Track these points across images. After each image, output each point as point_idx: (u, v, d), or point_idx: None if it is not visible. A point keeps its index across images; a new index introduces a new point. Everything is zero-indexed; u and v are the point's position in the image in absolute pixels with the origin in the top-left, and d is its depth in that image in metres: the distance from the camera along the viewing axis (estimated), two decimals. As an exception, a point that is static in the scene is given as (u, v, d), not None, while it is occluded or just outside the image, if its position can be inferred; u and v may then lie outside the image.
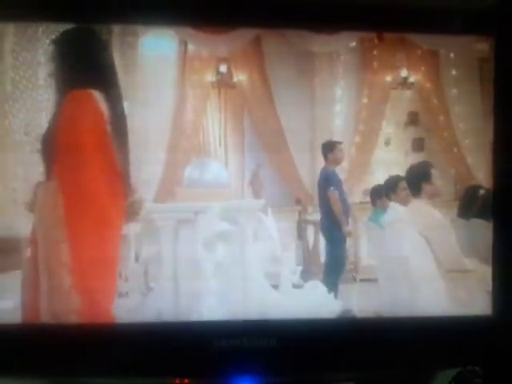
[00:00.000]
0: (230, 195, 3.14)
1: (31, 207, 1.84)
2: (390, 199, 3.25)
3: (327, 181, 3.70)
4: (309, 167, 4.44)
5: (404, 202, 3.09)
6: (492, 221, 1.87)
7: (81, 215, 1.76)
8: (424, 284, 2.58)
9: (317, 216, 3.98)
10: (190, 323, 2.05)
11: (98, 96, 1.78)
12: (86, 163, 1.76)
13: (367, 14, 1.78)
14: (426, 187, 2.95)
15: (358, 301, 3.16)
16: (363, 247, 3.80)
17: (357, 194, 4.39)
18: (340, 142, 3.84)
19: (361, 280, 3.85)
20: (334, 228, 3.69)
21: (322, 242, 3.95)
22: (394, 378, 1.90)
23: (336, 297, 3.21)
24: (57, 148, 1.75)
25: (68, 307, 1.85)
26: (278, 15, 1.76)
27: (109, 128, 1.78)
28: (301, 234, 4.30)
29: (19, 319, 1.98)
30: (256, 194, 3.89)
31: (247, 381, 1.79)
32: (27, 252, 1.90)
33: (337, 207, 3.61)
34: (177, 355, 1.75)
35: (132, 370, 1.75)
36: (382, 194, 3.42)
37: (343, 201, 3.71)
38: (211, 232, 2.68)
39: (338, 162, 3.77)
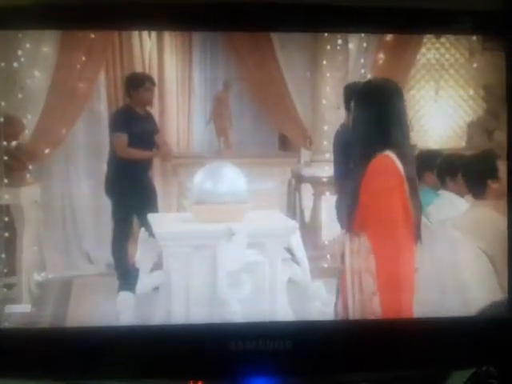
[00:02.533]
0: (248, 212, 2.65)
1: None
2: (442, 184, 2.78)
3: (349, 145, 2.65)
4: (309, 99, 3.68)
5: (462, 194, 2.67)
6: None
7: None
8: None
9: (318, 171, 3.49)
10: (206, 325, 2.01)
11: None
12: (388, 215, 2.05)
13: (385, 15, 1.90)
14: (492, 185, 2.48)
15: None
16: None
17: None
18: None
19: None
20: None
21: (326, 213, 3.38)
22: (410, 378, 1.92)
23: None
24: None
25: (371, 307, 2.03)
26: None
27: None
28: (292, 199, 3.59)
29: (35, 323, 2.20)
30: (220, 133, 3.43)
31: (263, 383, 1.85)
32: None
33: None
34: (193, 357, 1.80)
35: (148, 371, 1.83)
36: (433, 167, 2.83)
37: None
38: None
39: None
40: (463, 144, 3.55)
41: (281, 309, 2.46)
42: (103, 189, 2.79)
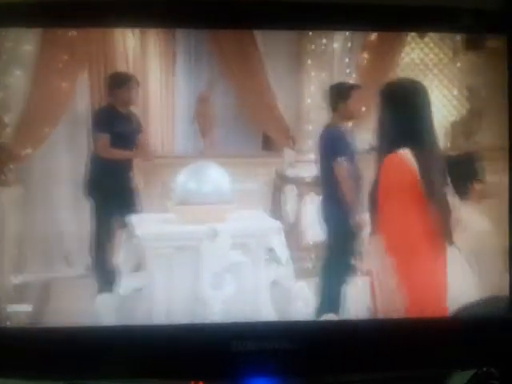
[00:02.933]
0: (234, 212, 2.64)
1: None
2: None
3: (334, 145, 2.93)
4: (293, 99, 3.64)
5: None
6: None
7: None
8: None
9: (301, 171, 3.40)
10: (206, 325, 2.07)
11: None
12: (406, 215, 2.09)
13: (384, 13, 1.91)
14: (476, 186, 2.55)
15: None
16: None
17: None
18: (358, 87, 3.05)
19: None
20: (338, 216, 2.92)
21: (311, 214, 3.23)
22: (410, 379, 1.93)
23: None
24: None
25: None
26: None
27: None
28: (276, 200, 3.50)
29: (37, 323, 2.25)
30: (204, 132, 3.42)
31: (264, 383, 1.85)
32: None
33: (345, 186, 2.89)
34: (193, 357, 1.82)
35: (149, 371, 1.83)
36: None
37: (355, 177, 2.92)
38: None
39: (352, 115, 2.99)
40: (448, 144, 3.55)
41: (264, 309, 2.45)
42: (84, 189, 2.76)
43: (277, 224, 2.77)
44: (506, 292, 2.01)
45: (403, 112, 2.11)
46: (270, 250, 2.57)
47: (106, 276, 2.64)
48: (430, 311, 2.12)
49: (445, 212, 2.11)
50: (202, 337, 1.87)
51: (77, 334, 1.88)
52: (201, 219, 2.48)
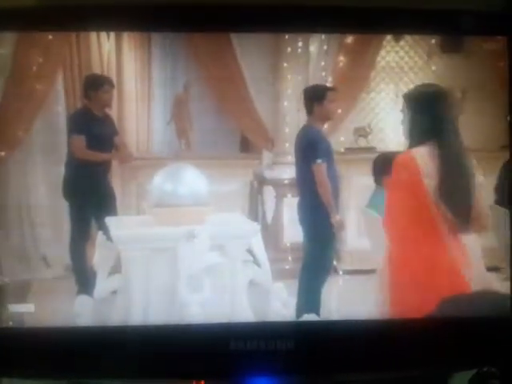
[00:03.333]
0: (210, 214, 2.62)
1: None
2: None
3: (311, 147, 2.92)
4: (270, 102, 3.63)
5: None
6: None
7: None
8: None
9: (279, 173, 3.44)
10: (206, 325, 2.04)
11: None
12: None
13: (386, 17, 1.93)
14: None
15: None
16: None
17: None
18: (332, 89, 3.08)
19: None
20: (317, 217, 2.94)
21: (288, 215, 3.34)
22: (411, 379, 1.94)
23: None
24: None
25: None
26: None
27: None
28: (254, 201, 3.54)
29: (38, 323, 2.15)
30: (181, 134, 3.42)
31: (264, 382, 1.87)
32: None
33: (323, 187, 2.90)
34: (194, 357, 1.81)
35: (150, 371, 1.84)
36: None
37: (333, 178, 2.95)
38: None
39: (327, 117, 2.99)
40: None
41: (241, 310, 2.45)
42: (61, 191, 2.74)
43: (254, 226, 2.79)
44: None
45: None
46: (249, 252, 2.57)
47: (83, 277, 2.64)
48: (429, 310, 2.09)
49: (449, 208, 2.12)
50: (202, 336, 1.88)
51: (76, 334, 1.90)
52: (178, 221, 2.46)
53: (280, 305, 2.54)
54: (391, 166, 2.73)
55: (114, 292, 2.46)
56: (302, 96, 2.96)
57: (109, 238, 2.44)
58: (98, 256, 2.52)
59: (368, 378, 1.91)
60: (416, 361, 1.88)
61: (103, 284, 2.47)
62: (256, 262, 2.60)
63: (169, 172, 2.59)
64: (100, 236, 2.52)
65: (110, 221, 2.54)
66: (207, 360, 1.82)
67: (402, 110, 2.29)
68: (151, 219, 2.54)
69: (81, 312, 2.24)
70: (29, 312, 2.16)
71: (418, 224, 2.12)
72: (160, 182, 2.57)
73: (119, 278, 2.44)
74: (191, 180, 2.56)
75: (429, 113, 2.20)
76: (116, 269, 2.49)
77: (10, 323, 2.09)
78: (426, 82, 3.80)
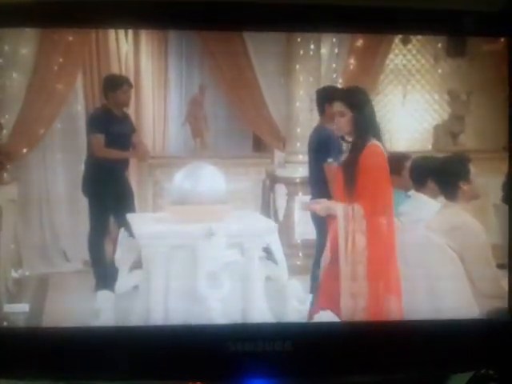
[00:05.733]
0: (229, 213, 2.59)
1: None
2: (416, 186, 2.70)
3: (323, 147, 2.89)
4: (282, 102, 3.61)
5: (435, 196, 2.63)
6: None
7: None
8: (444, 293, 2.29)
9: (291, 171, 3.44)
10: (204, 326, 2.05)
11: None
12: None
13: (381, 16, 1.92)
14: (464, 187, 2.51)
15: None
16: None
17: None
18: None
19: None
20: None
21: (299, 212, 3.34)
22: (409, 381, 1.93)
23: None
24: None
25: None
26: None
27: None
28: (266, 199, 3.52)
29: (33, 323, 2.22)
30: (196, 134, 3.43)
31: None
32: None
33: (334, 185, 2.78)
34: (192, 358, 1.81)
35: (147, 372, 1.82)
36: (400, 169, 2.80)
37: None
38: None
39: None
40: (429, 147, 3.61)
41: (259, 308, 2.46)
42: (80, 188, 2.80)
43: (272, 224, 2.81)
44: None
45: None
46: (266, 250, 2.58)
47: (102, 272, 2.69)
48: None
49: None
50: (200, 337, 1.86)
51: (75, 334, 1.87)
52: (197, 219, 2.46)
53: (296, 302, 2.53)
54: (401, 166, 2.80)
55: (136, 287, 2.47)
56: (315, 97, 2.97)
57: (131, 235, 2.47)
58: (120, 252, 2.53)
59: (367, 379, 1.91)
60: (414, 363, 1.87)
61: (125, 279, 2.48)
62: (273, 260, 2.62)
63: (189, 171, 2.59)
64: (122, 233, 2.52)
65: (131, 218, 2.57)
66: (205, 361, 1.81)
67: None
68: (171, 216, 2.54)
69: (102, 307, 2.25)
70: (31, 311, 2.20)
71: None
72: (180, 180, 2.59)
73: (140, 274, 2.45)
74: (210, 179, 2.57)
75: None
76: (137, 264, 2.49)
77: (5, 323, 2.10)
78: (432, 84, 3.80)
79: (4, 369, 1.80)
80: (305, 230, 3.12)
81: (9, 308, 2.17)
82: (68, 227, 3.15)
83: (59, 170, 3.09)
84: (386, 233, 2.36)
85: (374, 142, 2.37)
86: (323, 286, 2.44)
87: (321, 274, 2.46)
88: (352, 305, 2.27)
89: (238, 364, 1.83)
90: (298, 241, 3.29)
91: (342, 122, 2.44)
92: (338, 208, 2.38)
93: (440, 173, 2.58)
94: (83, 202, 2.83)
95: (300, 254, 3.17)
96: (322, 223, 2.80)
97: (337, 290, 2.31)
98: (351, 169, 2.40)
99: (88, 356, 1.78)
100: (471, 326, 1.95)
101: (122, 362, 1.78)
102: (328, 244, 2.44)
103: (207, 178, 2.60)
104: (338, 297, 2.29)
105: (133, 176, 3.09)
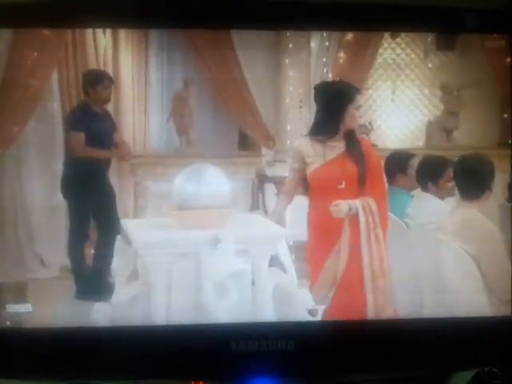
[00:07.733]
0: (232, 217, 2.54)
1: None
2: (423, 187, 2.71)
3: None
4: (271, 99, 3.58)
5: (442, 197, 2.66)
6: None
7: None
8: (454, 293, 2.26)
9: (280, 170, 3.23)
10: (207, 325, 2.04)
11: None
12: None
13: (386, 13, 1.92)
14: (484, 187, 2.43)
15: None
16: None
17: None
18: None
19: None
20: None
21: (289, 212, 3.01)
22: (411, 379, 1.93)
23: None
24: None
25: None
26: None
27: None
28: (256, 200, 3.42)
29: (36, 323, 2.19)
30: (181, 131, 3.33)
31: (264, 383, 1.85)
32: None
33: None
34: (194, 357, 1.82)
35: (150, 372, 1.84)
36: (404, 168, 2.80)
37: None
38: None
39: None
40: (420, 144, 3.58)
41: (267, 315, 2.39)
42: (59, 190, 2.67)
43: (281, 230, 2.71)
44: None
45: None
46: (273, 255, 2.52)
47: (83, 279, 2.57)
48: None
49: None
50: (203, 337, 1.87)
51: (77, 334, 1.89)
52: (201, 224, 2.39)
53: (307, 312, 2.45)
54: (405, 165, 2.81)
55: (134, 297, 2.38)
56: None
57: (127, 242, 2.36)
58: (116, 261, 2.42)
59: (368, 378, 1.92)
60: (416, 361, 1.89)
61: (123, 290, 2.41)
62: (281, 267, 2.57)
63: (189, 173, 2.49)
64: (118, 240, 2.40)
65: (126, 224, 2.47)
66: (208, 361, 1.82)
67: None
68: (171, 222, 2.44)
69: (99, 319, 2.18)
70: (27, 312, 2.17)
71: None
72: (181, 183, 2.48)
73: (139, 284, 2.38)
74: (212, 181, 2.50)
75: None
76: (135, 274, 2.42)
77: (8, 323, 2.11)
78: (422, 78, 3.79)
79: (4, 369, 1.83)
80: (296, 231, 2.93)
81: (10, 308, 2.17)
82: (45, 231, 3.02)
83: (35, 171, 2.95)
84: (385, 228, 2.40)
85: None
86: (340, 288, 2.41)
87: (337, 276, 2.43)
88: (381, 302, 2.31)
89: (241, 363, 1.86)
90: (291, 242, 3.03)
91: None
92: (358, 205, 2.39)
93: (461, 172, 2.52)
94: (61, 205, 2.71)
95: (292, 257, 3.09)
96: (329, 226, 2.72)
97: (360, 288, 2.34)
98: (361, 163, 2.42)
99: (90, 356, 1.81)
100: (474, 323, 1.97)
101: (123, 361, 1.81)
102: (341, 245, 2.44)
103: (212, 181, 2.53)
104: (362, 296, 2.32)
105: (113, 176, 2.96)
